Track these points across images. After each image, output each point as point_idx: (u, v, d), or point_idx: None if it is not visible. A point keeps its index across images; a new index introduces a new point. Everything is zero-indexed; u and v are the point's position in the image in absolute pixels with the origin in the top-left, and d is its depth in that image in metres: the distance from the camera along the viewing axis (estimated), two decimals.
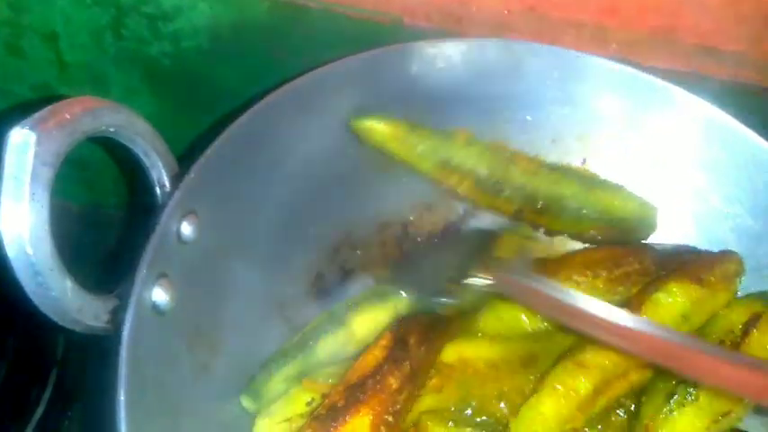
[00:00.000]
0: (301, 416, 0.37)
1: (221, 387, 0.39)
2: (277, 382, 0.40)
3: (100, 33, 0.57)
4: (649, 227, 0.49)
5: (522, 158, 0.48)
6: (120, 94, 0.62)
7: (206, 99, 0.61)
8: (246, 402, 0.40)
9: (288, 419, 0.37)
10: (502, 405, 0.40)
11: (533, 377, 0.41)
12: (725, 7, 0.48)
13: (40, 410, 0.59)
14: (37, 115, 0.30)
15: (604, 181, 0.49)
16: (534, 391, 0.41)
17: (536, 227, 0.49)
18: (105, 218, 0.66)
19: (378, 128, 0.46)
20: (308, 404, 0.37)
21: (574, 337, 0.41)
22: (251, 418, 0.39)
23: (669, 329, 0.39)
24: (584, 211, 0.48)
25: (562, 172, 0.49)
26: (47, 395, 0.60)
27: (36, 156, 0.29)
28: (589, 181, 0.49)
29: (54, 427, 0.59)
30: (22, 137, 0.28)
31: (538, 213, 0.48)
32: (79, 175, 0.67)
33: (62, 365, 0.61)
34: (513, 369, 0.41)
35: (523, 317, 0.44)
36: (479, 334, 0.43)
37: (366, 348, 0.38)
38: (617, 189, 0.49)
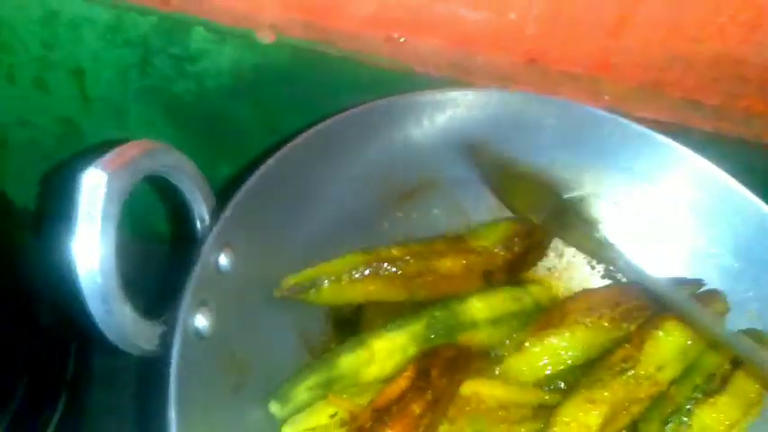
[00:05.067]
0: (324, 427, 0.40)
1: (250, 404, 0.42)
2: (302, 390, 0.43)
3: (126, 71, 0.60)
4: None
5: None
6: (139, 128, 0.65)
7: (223, 137, 0.64)
8: (274, 407, 0.42)
9: (311, 429, 0.40)
10: None
11: (541, 427, 0.44)
12: (707, 67, 0.53)
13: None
14: (105, 157, 0.33)
15: None
16: (546, 426, 0.44)
17: None
18: (146, 253, 0.68)
19: None
20: (332, 417, 0.41)
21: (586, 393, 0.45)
22: (276, 429, 0.41)
23: None
24: None
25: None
26: (56, 418, 0.61)
27: (107, 195, 0.32)
28: None
29: None
30: (95, 177, 0.32)
31: None
32: (130, 213, 0.69)
33: (72, 388, 0.63)
34: (523, 415, 0.45)
35: (548, 369, 0.48)
36: (500, 375, 0.46)
37: (392, 377, 0.42)
38: None
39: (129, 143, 0.35)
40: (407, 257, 0.49)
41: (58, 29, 0.57)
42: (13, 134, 0.68)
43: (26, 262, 0.57)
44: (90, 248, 0.31)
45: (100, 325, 0.32)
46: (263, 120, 0.62)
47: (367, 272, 0.47)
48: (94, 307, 0.32)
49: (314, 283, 0.46)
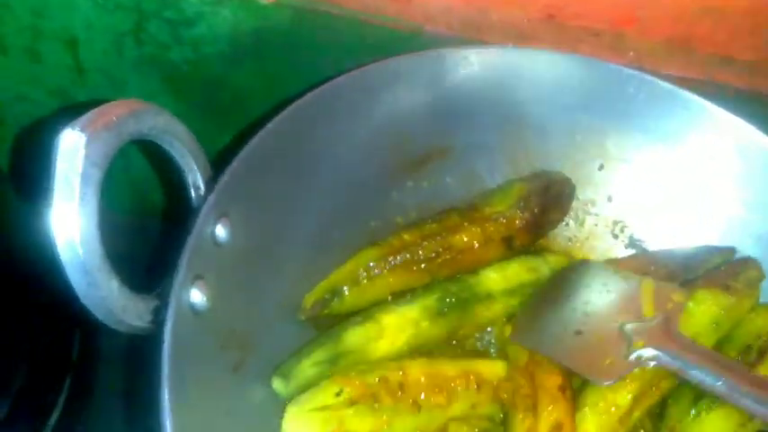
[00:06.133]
0: (330, 406, 0.38)
1: (251, 383, 0.39)
2: (306, 366, 0.40)
3: (120, 39, 0.58)
4: None
5: None
6: (138, 98, 0.62)
7: (223, 105, 0.61)
8: (277, 384, 0.40)
9: (317, 408, 0.38)
10: None
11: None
12: (741, 17, 0.49)
13: (55, 415, 0.59)
14: (85, 117, 0.30)
15: None
16: (576, 408, 0.41)
17: None
18: (142, 224, 0.66)
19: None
20: (337, 395, 0.38)
21: None
22: (280, 409, 0.39)
23: None
24: None
25: None
26: (62, 399, 0.60)
27: (86, 157, 0.29)
28: None
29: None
30: (72, 139, 0.29)
31: None
32: (122, 185, 0.67)
33: (77, 369, 0.61)
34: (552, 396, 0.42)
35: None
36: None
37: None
38: None
39: (114, 102, 0.33)
40: (420, 241, 0.46)
41: None
42: (11, 110, 0.66)
43: (21, 237, 0.55)
44: (69, 217, 0.29)
45: (83, 299, 0.30)
46: (265, 87, 0.59)
47: (384, 266, 0.45)
48: (75, 280, 0.29)
49: (334, 294, 0.44)
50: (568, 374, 0.42)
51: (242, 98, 0.60)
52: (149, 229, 0.63)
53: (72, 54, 0.60)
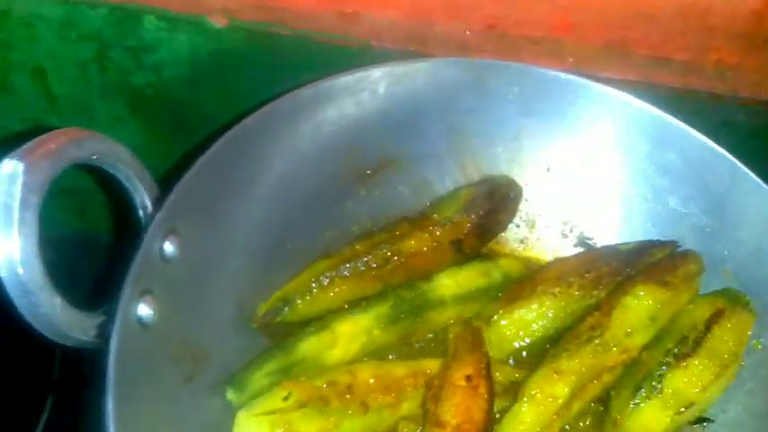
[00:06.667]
0: (278, 410, 0.39)
1: (205, 394, 0.41)
2: (260, 377, 0.42)
3: (85, 67, 0.60)
4: None
5: None
6: (107, 123, 0.64)
7: (189, 125, 0.63)
8: (231, 395, 0.41)
9: (265, 413, 0.39)
10: None
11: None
12: (672, 19, 0.51)
13: None
14: (25, 147, 0.32)
15: None
16: (515, 399, 0.43)
17: None
18: (94, 244, 0.68)
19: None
20: (285, 399, 0.40)
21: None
22: (232, 418, 0.41)
23: None
24: None
25: None
26: (43, 419, 0.61)
27: (24, 185, 0.31)
28: None
29: None
30: (11, 167, 0.31)
31: None
32: (68, 205, 0.69)
33: (59, 389, 0.62)
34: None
35: (518, 342, 0.47)
36: None
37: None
38: None
39: (55, 131, 0.35)
40: (371, 249, 0.48)
41: (11, 27, 0.57)
42: None
43: None
44: (8, 240, 0.30)
45: (26, 317, 0.32)
46: (225, 106, 0.60)
47: (334, 275, 0.47)
48: (17, 299, 0.31)
49: (286, 303, 0.46)
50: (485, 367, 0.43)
51: (204, 118, 0.61)
52: (99, 248, 0.65)
53: (41, 83, 0.62)
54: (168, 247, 0.39)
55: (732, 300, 0.46)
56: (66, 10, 0.55)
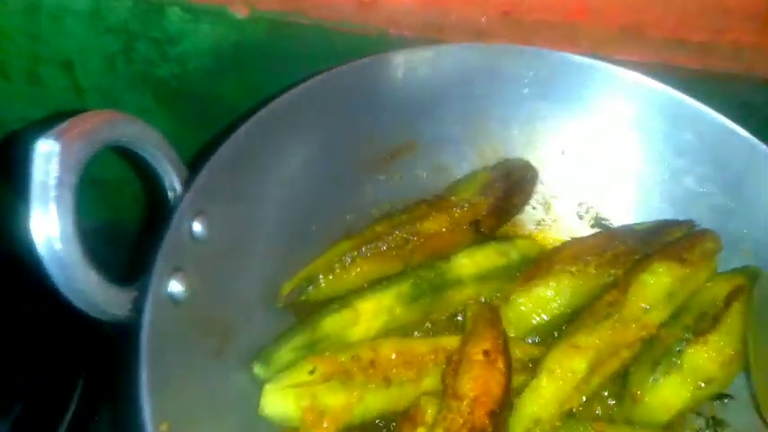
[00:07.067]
0: (304, 383, 0.41)
1: (233, 367, 0.42)
2: (286, 352, 0.43)
3: (112, 59, 0.61)
4: None
5: None
6: (133, 114, 0.66)
7: (212, 114, 0.64)
8: (258, 369, 0.43)
9: (291, 386, 0.41)
10: None
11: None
12: (688, 1, 0.51)
13: None
14: (59, 127, 0.34)
15: None
16: (533, 375, 0.44)
17: None
18: (122, 235, 0.70)
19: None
20: (310, 372, 0.41)
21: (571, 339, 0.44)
22: (259, 391, 0.42)
23: None
24: None
25: None
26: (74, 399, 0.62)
27: (61, 163, 0.32)
28: None
29: None
30: (48, 146, 0.32)
31: None
32: (98, 195, 0.71)
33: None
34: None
35: (536, 319, 0.47)
36: None
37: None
38: None
39: (89, 112, 0.36)
40: (391, 230, 0.49)
41: (41, 21, 0.58)
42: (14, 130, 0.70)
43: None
44: (46, 217, 0.32)
45: (63, 291, 0.33)
46: (249, 96, 0.62)
47: (356, 256, 0.48)
48: (55, 274, 0.32)
49: (310, 282, 0.47)
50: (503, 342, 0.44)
51: (227, 107, 0.63)
52: (126, 238, 0.66)
53: (69, 76, 0.64)
54: (197, 227, 0.41)
55: (752, 276, 0.46)
56: (93, 2, 0.56)
